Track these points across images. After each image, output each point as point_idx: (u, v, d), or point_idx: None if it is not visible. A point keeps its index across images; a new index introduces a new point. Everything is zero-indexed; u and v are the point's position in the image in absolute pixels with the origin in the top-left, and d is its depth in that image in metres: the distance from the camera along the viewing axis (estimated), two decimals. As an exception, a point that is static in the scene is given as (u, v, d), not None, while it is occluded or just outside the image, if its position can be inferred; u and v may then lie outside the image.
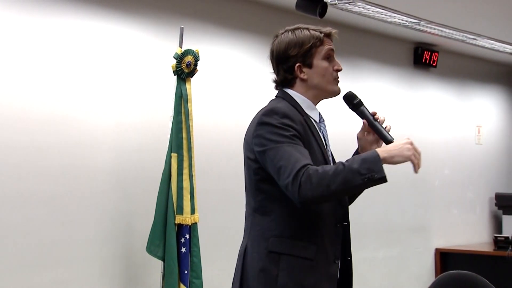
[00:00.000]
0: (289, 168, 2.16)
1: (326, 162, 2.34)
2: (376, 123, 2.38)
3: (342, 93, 2.43)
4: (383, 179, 2.15)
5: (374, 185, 2.18)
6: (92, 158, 3.90)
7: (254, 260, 2.32)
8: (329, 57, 2.40)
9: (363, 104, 2.43)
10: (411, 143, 2.22)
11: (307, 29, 2.41)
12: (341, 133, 4.45)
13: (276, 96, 2.44)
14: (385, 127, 2.39)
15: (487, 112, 7.17)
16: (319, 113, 2.45)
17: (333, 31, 2.43)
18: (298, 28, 2.43)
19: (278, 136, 2.24)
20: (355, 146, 2.49)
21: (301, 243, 2.28)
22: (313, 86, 2.40)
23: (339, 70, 2.41)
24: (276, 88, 2.46)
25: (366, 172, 2.13)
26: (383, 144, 2.40)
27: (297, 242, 2.28)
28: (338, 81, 2.43)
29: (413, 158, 2.22)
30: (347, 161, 2.18)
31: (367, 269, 5.61)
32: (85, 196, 3.85)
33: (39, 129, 3.69)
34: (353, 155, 2.45)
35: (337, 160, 2.48)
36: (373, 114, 2.41)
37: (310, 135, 2.33)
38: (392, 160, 2.20)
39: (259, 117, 2.31)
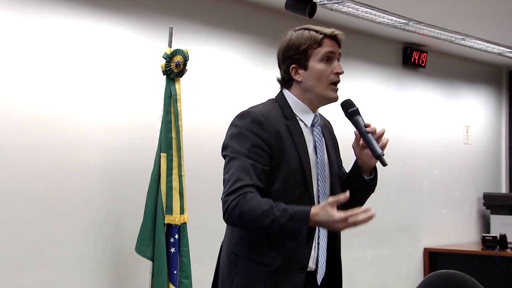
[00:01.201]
0: (228, 185, 2.20)
1: (303, 167, 2.30)
2: (367, 135, 2.31)
3: (342, 99, 2.39)
4: (301, 242, 2.16)
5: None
6: (81, 158, 3.88)
7: (222, 261, 2.36)
8: (328, 59, 2.34)
9: (358, 113, 2.36)
10: (336, 223, 2.11)
11: (310, 29, 2.37)
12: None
13: (275, 97, 2.44)
14: (379, 141, 2.32)
15: (476, 112, 7.21)
16: (315, 117, 2.39)
17: (336, 32, 2.37)
18: (301, 29, 2.39)
19: (238, 145, 2.24)
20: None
21: (260, 248, 2.27)
22: (307, 89, 2.36)
23: (340, 73, 2.35)
24: (280, 87, 2.45)
25: (289, 230, 2.14)
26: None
27: (256, 247, 2.27)
28: (336, 88, 2.36)
29: (347, 229, 2.15)
30: (280, 206, 2.15)
31: (356, 269, 5.62)
32: (74, 196, 3.84)
33: (28, 129, 3.68)
34: (352, 165, 2.43)
35: (344, 163, 2.49)
36: (367, 126, 2.34)
37: (288, 141, 2.29)
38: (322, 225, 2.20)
39: (234, 118, 2.34)
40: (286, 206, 2.16)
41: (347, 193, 2.13)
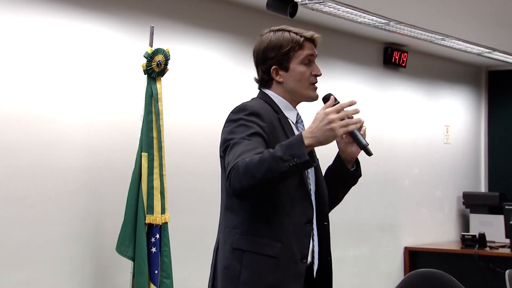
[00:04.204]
0: (230, 164, 2.18)
1: None
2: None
3: (321, 95, 2.41)
4: (306, 164, 2.11)
5: (302, 170, 2.17)
6: (61, 158, 3.86)
7: (222, 258, 2.35)
8: (308, 62, 2.40)
9: None
10: (328, 114, 2.13)
11: (289, 31, 2.41)
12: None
13: (257, 96, 2.46)
14: (360, 131, 2.35)
15: (455, 112, 7.26)
16: (297, 114, 2.46)
17: (315, 35, 2.42)
18: (280, 30, 2.42)
19: (238, 134, 2.24)
20: (336, 148, 2.48)
21: (265, 240, 2.28)
22: (288, 89, 2.41)
23: (318, 75, 2.41)
24: (259, 87, 2.48)
25: (289, 158, 2.10)
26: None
27: (262, 240, 2.28)
28: (316, 87, 2.42)
29: (342, 130, 2.15)
30: (277, 147, 2.15)
31: (337, 268, 5.58)
32: (55, 196, 3.82)
33: (8, 129, 3.65)
34: (335, 158, 2.48)
35: (321, 162, 2.50)
36: (350, 118, 2.35)
37: (282, 134, 2.34)
38: (321, 145, 2.16)
39: (229, 115, 2.35)
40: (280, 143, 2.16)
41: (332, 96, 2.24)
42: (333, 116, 2.13)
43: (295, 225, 2.32)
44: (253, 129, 2.25)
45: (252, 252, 2.28)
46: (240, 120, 2.28)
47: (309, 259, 2.38)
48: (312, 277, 2.40)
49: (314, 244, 2.39)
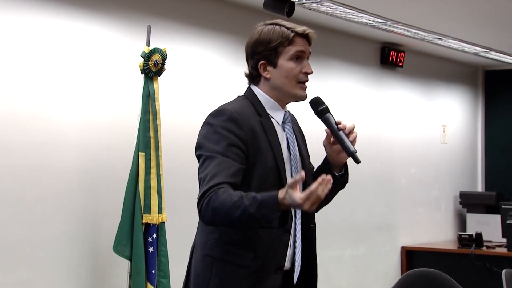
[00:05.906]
0: (203, 184, 2.15)
1: (278, 166, 2.26)
2: (339, 132, 2.30)
3: (310, 97, 2.36)
4: (274, 227, 2.10)
5: (271, 228, 2.15)
6: (58, 157, 3.86)
7: (195, 262, 2.31)
8: (298, 58, 2.30)
9: (328, 111, 2.34)
10: (304, 201, 2.01)
11: (281, 25, 2.32)
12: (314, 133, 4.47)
13: (243, 93, 2.40)
14: (349, 137, 2.30)
15: (452, 111, 7.27)
16: (285, 114, 2.36)
17: (308, 31, 2.32)
18: (273, 24, 2.34)
19: (213, 143, 2.19)
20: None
21: (237, 249, 2.22)
22: (275, 86, 2.32)
23: (308, 73, 2.31)
24: (248, 83, 2.40)
25: (261, 218, 2.06)
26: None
27: (233, 248, 2.23)
28: (305, 86, 2.33)
29: (310, 206, 2.04)
30: (249, 195, 2.08)
31: (334, 267, 5.65)
32: (51, 196, 3.82)
33: (4, 128, 3.64)
34: (323, 161, 2.42)
35: (312, 160, 2.46)
36: (338, 123, 2.32)
37: (263, 139, 2.26)
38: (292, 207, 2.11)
39: (207, 117, 2.28)
40: (256, 194, 2.08)
41: (303, 173, 2.07)
42: (306, 206, 2.02)
43: (271, 234, 2.23)
44: (228, 140, 2.19)
45: (222, 260, 2.23)
46: (217, 126, 2.21)
47: (288, 265, 2.31)
48: (293, 284, 2.32)
49: (296, 251, 2.31)
